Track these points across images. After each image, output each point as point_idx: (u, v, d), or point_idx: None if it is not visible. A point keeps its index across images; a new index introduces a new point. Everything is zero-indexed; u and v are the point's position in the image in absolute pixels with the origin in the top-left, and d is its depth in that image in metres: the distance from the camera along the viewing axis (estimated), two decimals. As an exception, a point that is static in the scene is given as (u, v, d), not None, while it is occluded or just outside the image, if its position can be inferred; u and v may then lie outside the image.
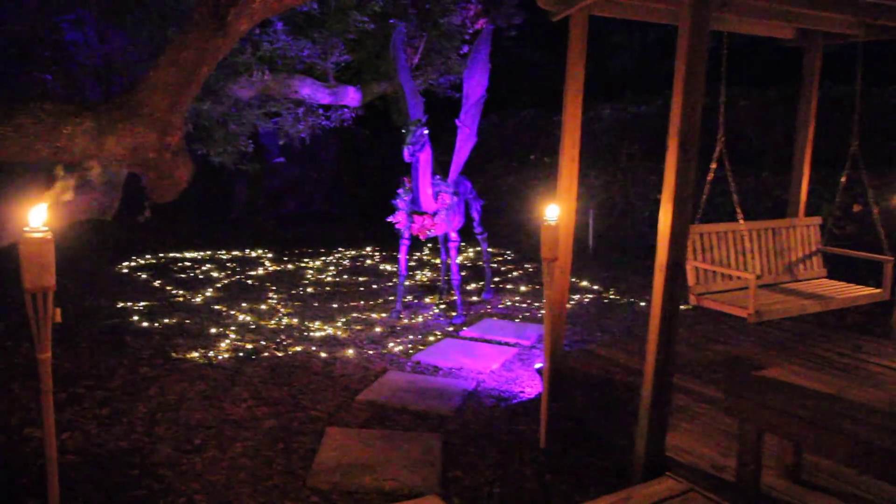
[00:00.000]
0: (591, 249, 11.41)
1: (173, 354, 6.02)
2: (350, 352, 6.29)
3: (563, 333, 5.24)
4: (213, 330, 6.97)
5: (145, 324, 7.17)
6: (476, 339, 6.80)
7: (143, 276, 9.85)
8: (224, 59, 6.78)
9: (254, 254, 11.89)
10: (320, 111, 8.29)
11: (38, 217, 2.89)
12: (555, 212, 3.96)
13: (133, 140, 4.64)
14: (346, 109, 9.07)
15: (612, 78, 16.18)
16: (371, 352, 6.34)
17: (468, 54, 9.49)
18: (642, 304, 8.25)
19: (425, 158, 6.99)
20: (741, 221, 5.35)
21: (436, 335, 6.93)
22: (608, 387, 4.83)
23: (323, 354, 6.20)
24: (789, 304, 5.15)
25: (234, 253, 11.88)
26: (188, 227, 14.02)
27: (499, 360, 6.14)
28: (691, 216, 3.70)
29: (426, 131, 6.92)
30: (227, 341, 6.54)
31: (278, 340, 6.61)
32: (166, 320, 7.34)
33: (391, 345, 6.56)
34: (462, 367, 5.94)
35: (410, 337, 6.84)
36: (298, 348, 6.35)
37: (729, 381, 4.55)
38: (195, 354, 6.06)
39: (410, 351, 6.40)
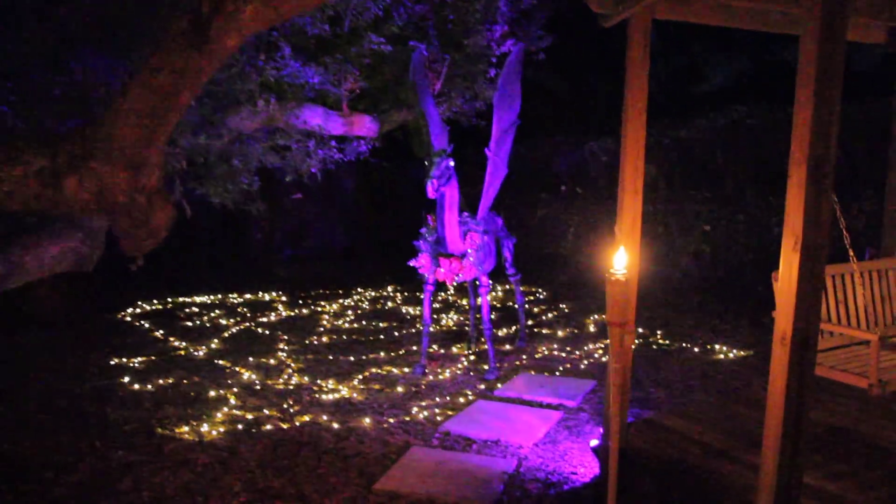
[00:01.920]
0: (632, 287, 10.46)
1: (159, 430, 5.15)
2: (367, 421, 5.38)
3: (627, 409, 4.31)
4: (213, 393, 6.12)
5: (136, 386, 6.34)
6: (513, 401, 5.88)
7: (146, 324, 9.06)
8: (222, 87, 6.01)
9: (267, 297, 11.08)
10: (332, 143, 7.48)
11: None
12: (624, 260, 3.07)
13: (98, 182, 3.83)
14: (362, 141, 8.26)
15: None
16: (391, 420, 5.43)
17: (496, 78, 8.70)
18: (696, 349, 7.30)
19: (451, 194, 6.14)
20: (854, 263, 4.42)
21: (466, 396, 6.02)
22: (685, 475, 3.88)
23: (335, 425, 5.30)
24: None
25: (247, 296, 11.07)
26: (200, 267, 13.32)
27: (542, 428, 5.21)
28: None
29: (452, 163, 6.07)
30: (226, 409, 5.67)
31: (284, 407, 5.73)
32: (161, 381, 6.50)
33: (415, 409, 5.66)
34: (499, 440, 5.01)
35: (437, 399, 5.93)
36: (307, 417, 5.46)
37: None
38: (185, 429, 5.19)
39: (438, 418, 5.49)
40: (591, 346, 7.56)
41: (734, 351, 7.19)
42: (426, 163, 6.01)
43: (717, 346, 7.38)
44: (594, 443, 4.60)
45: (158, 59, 3.74)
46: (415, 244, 6.66)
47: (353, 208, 16.28)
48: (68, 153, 3.77)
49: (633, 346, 3.61)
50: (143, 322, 9.18)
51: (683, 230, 10.34)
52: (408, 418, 5.46)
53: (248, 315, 9.62)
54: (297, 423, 5.33)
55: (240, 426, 5.27)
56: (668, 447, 4.08)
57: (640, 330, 8.13)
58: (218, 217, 7.51)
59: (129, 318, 9.50)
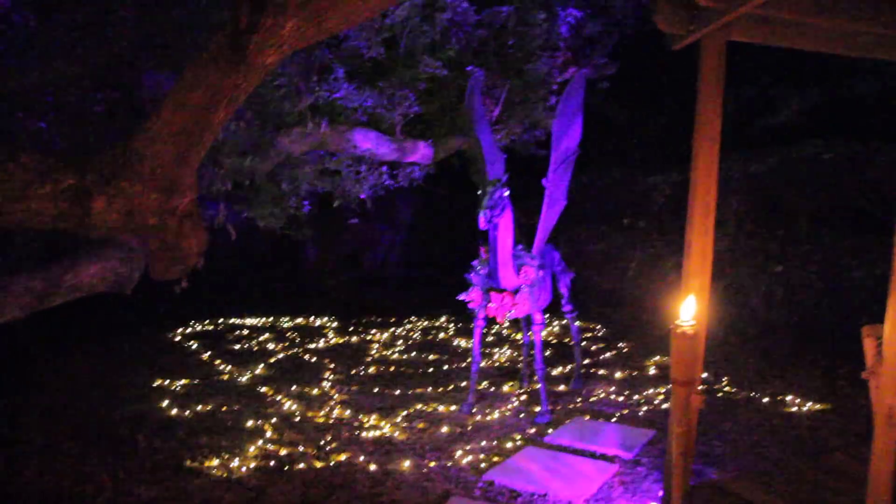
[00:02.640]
0: (695, 327, 9.92)
1: (188, 462, 4.92)
2: (406, 464, 5.05)
3: (690, 476, 3.87)
4: (250, 423, 5.89)
5: (174, 411, 6.17)
6: (564, 449, 5.46)
7: (194, 345, 8.96)
8: (269, 107, 5.85)
9: (318, 322, 10.90)
10: (384, 168, 7.25)
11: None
12: (692, 310, 2.69)
13: (127, 202, 3.63)
14: (415, 167, 8.02)
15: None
16: (432, 464, 5.08)
17: (556, 106, 8.39)
18: (764, 400, 6.75)
19: (505, 225, 5.81)
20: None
21: (514, 440, 5.63)
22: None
23: (372, 467, 4.97)
24: None
25: (298, 320, 10.92)
26: (254, 289, 13.29)
27: (595, 482, 4.79)
28: None
29: (507, 193, 5.75)
30: (260, 442, 5.42)
31: (322, 443, 5.44)
32: (199, 407, 6.31)
33: (458, 453, 5.30)
34: (547, 494, 4.60)
35: (483, 443, 5.56)
36: (343, 457, 5.16)
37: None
38: (215, 462, 4.95)
39: (482, 464, 5.12)
40: (650, 391, 7.09)
41: (808, 404, 6.62)
42: (479, 192, 5.70)
43: (788, 398, 6.82)
44: (651, 506, 4.17)
45: (193, 76, 3.54)
46: (466, 277, 6.35)
47: (411, 235, 16.10)
48: (98, 171, 3.59)
49: (700, 407, 3.20)
50: (191, 343, 9.09)
51: (752, 270, 9.77)
52: (450, 463, 5.11)
53: (297, 340, 9.44)
54: (333, 463, 5.03)
55: (272, 462, 5.00)
56: (735, 517, 3.64)
57: (704, 375, 7.62)
58: (273, 239, 7.41)
59: (178, 338, 9.42)
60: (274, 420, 6.00)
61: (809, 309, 9.04)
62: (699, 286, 3.52)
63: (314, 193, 7.68)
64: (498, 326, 10.26)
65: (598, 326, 10.54)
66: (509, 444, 5.53)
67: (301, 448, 5.30)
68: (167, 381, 7.15)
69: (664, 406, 6.60)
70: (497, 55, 7.72)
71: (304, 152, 6.61)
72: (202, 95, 3.56)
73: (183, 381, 7.17)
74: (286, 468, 4.92)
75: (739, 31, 3.51)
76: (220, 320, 10.67)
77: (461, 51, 7.31)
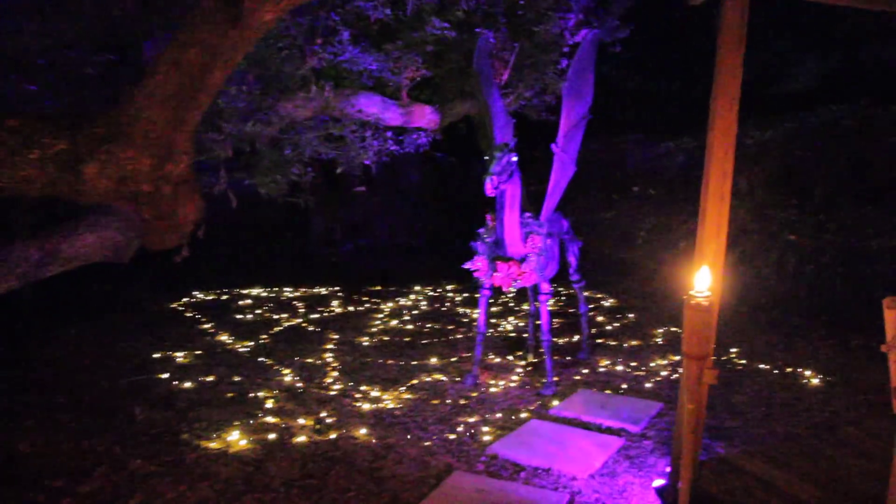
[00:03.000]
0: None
1: (185, 436, 4.83)
2: (408, 437, 4.95)
3: (699, 452, 3.75)
4: (251, 395, 5.81)
5: (175, 382, 6.09)
6: (570, 422, 5.35)
7: (198, 315, 8.87)
8: (271, 70, 5.67)
9: (324, 291, 10.80)
10: (389, 134, 7.06)
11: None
12: (707, 281, 2.55)
13: (120, 168, 3.49)
14: (422, 133, 7.82)
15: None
16: (435, 437, 4.98)
17: (567, 70, 8.16)
18: (775, 372, 6.63)
19: (513, 192, 5.64)
20: None
21: (518, 413, 5.53)
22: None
23: (373, 440, 4.88)
24: None
25: (303, 290, 10.82)
26: (260, 258, 13.18)
27: (600, 457, 4.68)
28: None
29: (515, 158, 5.57)
30: (260, 414, 5.33)
31: (322, 415, 5.35)
32: (201, 378, 6.23)
33: (461, 426, 5.20)
34: (551, 468, 4.50)
35: (487, 415, 5.46)
36: (343, 430, 5.06)
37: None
38: (213, 436, 4.86)
39: (486, 437, 5.02)
40: (658, 363, 6.97)
41: (819, 376, 6.49)
42: (486, 157, 5.53)
43: (798, 370, 6.69)
44: (659, 483, 4.06)
45: (187, 35, 3.39)
46: (471, 245, 6.20)
47: (418, 203, 15.93)
48: (89, 136, 3.45)
49: (713, 383, 3.05)
50: (195, 313, 9.00)
51: (765, 239, 9.59)
52: (453, 436, 5.01)
53: (301, 311, 9.33)
54: (333, 436, 4.93)
55: (271, 435, 4.91)
56: (749, 499, 3.51)
57: (712, 346, 7.48)
58: (279, 208, 7.30)
59: (182, 308, 9.34)
60: (275, 392, 5.91)
61: (823, 279, 8.87)
62: (713, 255, 3.37)
63: (318, 160, 7.51)
64: (504, 296, 10.14)
65: (606, 296, 10.41)
66: (513, 417, 5.43)
67: (301, 421, 5.20)
68: (169, 353, 7.07)
69: (672, 378, 6.49)
70: (507, 16, 7.47)
71: (307, 117, 6.42)
72: (197, 55, 3.41)
73: (184, 353, 7.08)
74: (285, 441, 4.83)
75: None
76: (224, 290, 10.57)
77: (470, 11, 7.07)
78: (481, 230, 6.18)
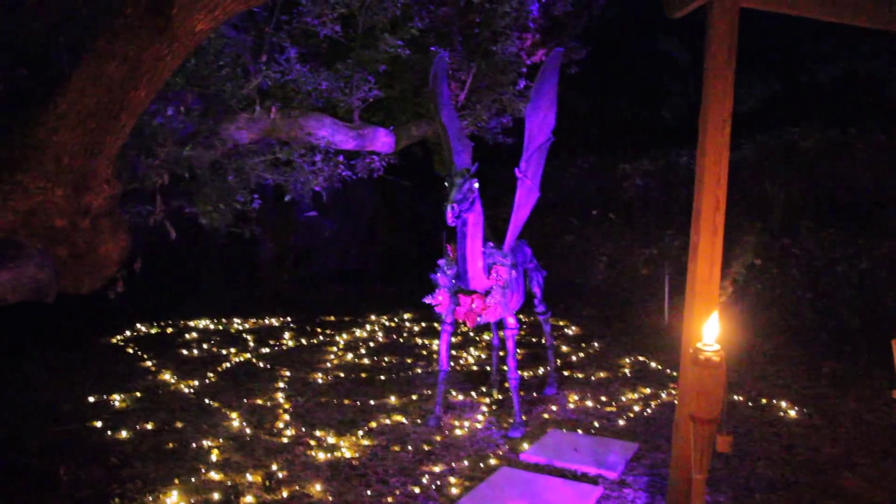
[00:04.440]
0: (667, 322, 9.52)
1: (116, 500, 4.29)
2: (367, 493, 4.48)
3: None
4: (193, 445, 5.28)
5: (109, 432, 5.53)
6: (542, 469, 4.94)
7: (138, 351, 8.27)
8: (210, 89, 5.21)
9: (275, 322, 10.26)
10: (340, 158, 6.64)
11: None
12: (716, 331, 2.18)
13: (28, 200, 3.01)
14: (375, 157, 7.41)
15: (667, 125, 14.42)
16: (397, 491, 4.52)
17: (525, 91, 7.86)
18: (750, 404, 6.33)
19: (475, 220, 5.25)
20: None
21: (486, 459, 5.10)
22: None
23: (329, 497, 4.40)
24: None
25: (253, 321, 10.26)
26: (209, 287, 12.57)
27: (578, 509, 4.29)
28: None
29: (476, 184, 5.19)
30: (203, 470, 4.81)
31: (273, 468, 4.85)
32: (138, 426, 5.68)
33: (426, 477, 4.75)
34: (527, 525, 4.10)
35: (453, 463, 5.02)
36: (296, 486, 4.57)
37: None
38: (148, 499, 4.33)
39: (453, 489, 4.57)
40: (629, 396, 6.63)
41: (795, 408, 6.22)
42: (446, 184, 5.13)
43: (774, 401, 6.42)
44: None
45: (107, 45, 2.93)
46: (432, 278, 5.79)
47: (373, 229, 15.48)
48: (-10, 164, 2.96)
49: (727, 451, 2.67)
50: (136, 349, 8.40)
51: (729, 264, 9.38)
52: (417, 489, 4.56)
53: (251, 344, 8.79)
54: (285, 494, 4.44)
55: (216, 495, 4.40)
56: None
57: (676, 373, 7.18)
58: (228, 234, 6.83)
59: (122, 343, 8.72)
60: (221, 440, 5.39)
61: (790, 305, 8.67)
62: (709, 295, 3.01)
63: (265, 186, 7.05)
64: (465, 327, 9.73)
65: (569, 323, 10.08)
66: (481, 465, 5.00)
67: (249, 477, 4.69)
68: (105, 395, 6.49)
69: (645, 413, 6.15)
70: (463, 35, 7.16)
71: (252, 141, 5.97)
72: (118, 69, 2.96)
73: (122, 395, 6.51)
74: (231, 503, 4.32)
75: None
76: (170, 322, 9.97)
77: (424, 30, 6.73)
78: (441, 262, 5.77)
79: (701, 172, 3.08)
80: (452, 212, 4.89)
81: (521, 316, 9.93)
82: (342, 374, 7.40)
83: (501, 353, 6.83)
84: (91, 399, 6.42)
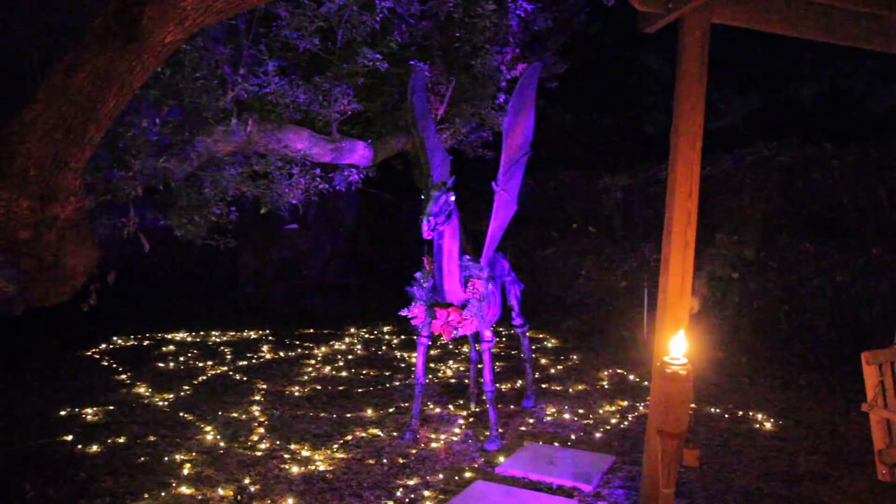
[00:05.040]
0: (646, 335, 9.55)
1: (83, 516, 4.24)
2: (341, 506, 4.46)
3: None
4: (165, 458, 5.22)
5: (79, 446, 5.45)
6: (517, 482, 4.93)
7: (114, 364, 8.18)
8: (185, 101, 5.18)
9: (253, 335, 10.18)
10: (317, 171, 6.61)
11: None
12: (683, 346, 2.18)
13: (-8, 211, 2.97)
14: (353, 170, 7.39)
15: (648, 138, 14.51)
16: (371, 505, 4.50)
17: (505, 104, 7.89)
18: (725, 415, 6.36)
19: (451, 233, 5.24)
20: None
21: (462, 472, 5.08)
22: None
23: (301, 512, 4.38)
24: None
25: (231, 334, 10.18)
26: (186, 299, 12.45)
27: (552, 522, 4.27)
28: None
29: (453, 197, 5.19)
30: (174, 484, 4.75)
31: (245, 482, 4.80)
32: (110, 440, 5.60)
33: (400, 491, 4.72)
34: (500, 539, 4.07)
35: (428, 477, 4.99)
36: (268, 501, 4.53)
37: None
38: (117, 513, 4.28)
39: (427, 503, 4.55)
40: (606, 409, 6.63)
41: (770, 419, 6.25)
42: (422, 197, 5.13)
43: (750, 413, 6.45)
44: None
45: (75, 56, 2.91)
46: (408, 291, 5.77)
47: (352, 241, 15.45)
48: (-47, 175, 2.93)
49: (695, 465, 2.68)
50: (111, 362, 8.30)
51: (706, 277, 9.43)
52: (391, 503, 4.53)
53: (228, 357, 8.72)
54: (256, 509, 4.41)
55: (186, 510, 4.35)
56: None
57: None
58: (207, 245, 6.75)
59: (97, 356, 8.62)
60: (193, 454, 5.34)
61: (766, 317, 8.73)
62: (679, 309, 3.02)
63: (242, 198, 7.01)
64: (442, 340, 9.71)
65: (548, 336, 10.09)
66: (456, 478, 4.98)
67: (221, 491, 4.64)
68: (77, 409, 6.41)
69: (622, 426, 6.16)
70: (442, 49, 7.18)
71: (228, 153, 5.94)
72: (86, 81, 2.94)
73: (95, 409, 6.43)
74: (202, 516, 4.28)
75: (722, 10, 3.03)
76: (146, 335, 9.87)
77: (403, 43, 6.74)
78: (418, 274, 5.76)
79: (672, 186, 3.09)
80: (428, 224, 4.88)
81: (500, 329, 9.99)
82: (319, 387, 7.35)
83: (479, 366, 6.81)
84: (62, 413, 6.33)
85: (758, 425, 6.14)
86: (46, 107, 2.91)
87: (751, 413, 6.45)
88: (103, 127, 3.05)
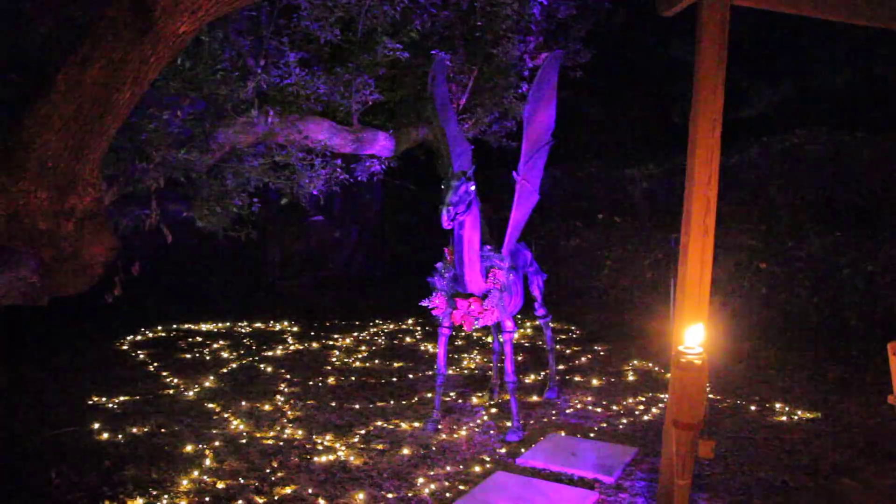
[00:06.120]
0: (673, 327, 9.44)
1: (106, 502, 4.28)
2: (361, 496, 4.45)
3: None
4: (189, 447, 5.26)
5: (105, 435, 5.52)
6: (538, 473, 4.90)
7: (142, 355, 8.29)
8: (203, 92, 5.20)
9: (278, 326, 10.25)
10: (338, 161, 6.62)
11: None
12: (699, 336, 2.14)
13: (11, 203, 3.00)
14: (375, 160, 7.38)
15: (675, 127, 14.29)
16: (391, 495, 4.49)
17: (528, 94, 7.83)
18: (752, 408, 6.26)
19: (472, 223, 5.21)
20: None
21: (483, 463, 5.06)
22: None
23: (321, 501, 4.38)
24: None
25: (257, 325, 10.27)
26: (213, 291, 12.57)
27: (573, 514, 4.24)
28: None
29: (473, 187, 5.15)
30: (197, 473, 4.79)
31: (267, 472, 4.83)
32: (135, 429, 5.67)
33: (420, 481, 4.72)
34: (519, 530, 4.05)
35: (448, 467, 4.98)
36: (289, 489, 4.55)
37: None
38: (139, 501, 4.32)
39: (447, 493, 4.54)
40: (630, 401, 6.57)
41: (798, 412, 6.15)
42: (443, 186, 5.10)
43: (777, 406, 6.35)
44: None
45: (90, 48, 2.93)
46: (429, 281, 5.75)
47: (378, 233, 15.47)
48: (-27, 166, 2.96)
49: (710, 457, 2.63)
50: (139, 352, 8.42)
51: (733, 268, 9.30)
52: (411, 493, 4.52)
53: (254, 348, 8.79)
54: (276, 497, 4.42)
55: (207, 498, 4.38)
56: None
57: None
58: (234, 238, 6.83)
59: (126, 347, 8.74)
60: (217, 443, 5.38)
61: (795, 308, 8.59)
62: (698, 299, 2.96)
63: (267, 190, 7.04)
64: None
65: (573, 328, 10.02)
66: (477, 468, 4.96)
67: (242, 480, 4.67)
68: (104, 398, 6.50)
69: (645, 418, 6.10)
70: (464, 38, 7.13)
71: (250, 144, 5.96)
72: (101, 71, 2.95)
73: (122, 398, 6.52)
74: (222, 505, 4.31)
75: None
76: (174, 326, 9.98)
77: (425, 33, 6.71)
78: (439, 265, 5.74)
79: (691, 172, 3.03)
80: (448, 214, 4.86)
81: (523, 320, 9.95)
82: (343, 378, 7.38)
83: (502, 358, 6.79)
84: (91, 401, 6.43)
85: (785, 418, 6.04)
86: (63, 99, 2.93)
87: (778, 405, 6.35)
88: (120, 118, 3.07)
